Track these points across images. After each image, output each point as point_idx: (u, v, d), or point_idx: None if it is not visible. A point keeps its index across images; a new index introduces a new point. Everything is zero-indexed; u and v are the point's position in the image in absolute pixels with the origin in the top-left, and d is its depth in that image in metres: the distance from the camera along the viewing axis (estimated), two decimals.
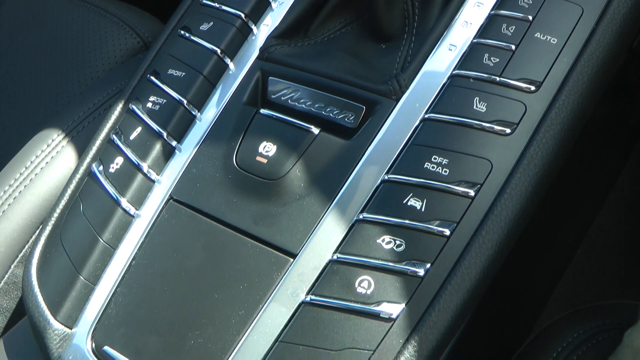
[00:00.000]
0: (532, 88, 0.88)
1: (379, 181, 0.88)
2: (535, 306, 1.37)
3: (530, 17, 0.91)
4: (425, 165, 0.86)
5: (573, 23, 0.90)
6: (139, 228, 0.98)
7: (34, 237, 1.19)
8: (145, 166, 0.99)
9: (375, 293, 0.83)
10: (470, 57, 0.92)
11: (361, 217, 0.87)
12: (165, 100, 1.03)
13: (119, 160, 1.02)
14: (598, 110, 0.96)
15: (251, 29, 1.05)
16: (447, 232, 0.83)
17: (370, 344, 0.82)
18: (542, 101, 0.88)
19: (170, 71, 1.05)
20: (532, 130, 0.87)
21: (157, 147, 1.00)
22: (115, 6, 1.55)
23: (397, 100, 0.92)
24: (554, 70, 0.89)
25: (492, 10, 0.94)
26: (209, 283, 0.90)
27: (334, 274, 0.86)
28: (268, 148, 0.94)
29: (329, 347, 0.83)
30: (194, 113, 1.01)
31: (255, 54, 1.03)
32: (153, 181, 0.99)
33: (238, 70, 1.03)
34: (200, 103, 1.02)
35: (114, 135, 1.05)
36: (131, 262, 0.96)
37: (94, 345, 0.94)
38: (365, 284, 0.84)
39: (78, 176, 1.08)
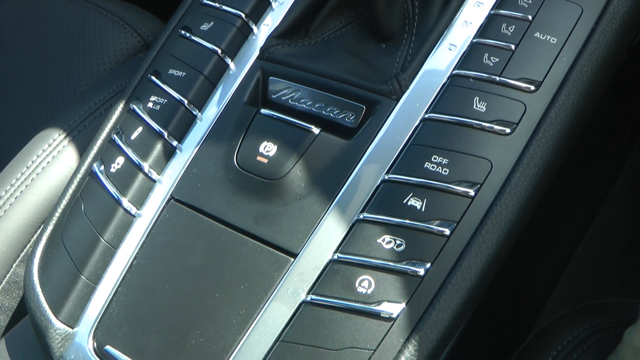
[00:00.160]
0: (532, 88, 0.88)
1: (379, 181, 0.89)
2: (535, 305, 1.37)
3: (530, 17, 0.91)
4: (425, 165, 0.87)
5: (573, 22, 0.91)
6: (140, 228, 0.98)
7: (35, 236, 1.20)
8: (146, 166, 1.00)
9: (375, 293, 0.83)
10: (470, 56, 0.92)
11: (361, 216, 0.87)
12: (166, 100, 1.03)
13: (120, 160, 1.02)
14: (598, 109, 0.96)
15: (252, 29, 1.05)
16: (447, 231, 0.83)
17: (371, 344, 0.82)
18: (542, 101, 0.88)
19: (171, 71, 1.05)
20: (531, 130, 0.87)
21: (158, 147, 1.01)
22: (115, 5, 1.55)
23: (397, 100, 0.92)
24: (553, 70, 0.89)
25: (491, 9, 0.94)
26: (210, 282, 0.90)
27: (334, 273, 0.86)
28: (268, 148, 0.94)
29: (330, 347, 0.83)
30: (194, 113, 1.01)
31: (255, 53, 1.03)
32: (154, 181, 1.00)
33: (238, 70, 1.03)
34: (201, 103, 1.02)
35: (115, 135, 1.05)
36: (132, 261, 0.96)
37: (95, 344, 0.94)
38: (365, 283, 0.84)
39: (79, 176, 1.08)
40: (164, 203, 0.98)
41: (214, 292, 0.90)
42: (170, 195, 0.98)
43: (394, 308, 0.82)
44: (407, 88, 0.93)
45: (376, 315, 0.83)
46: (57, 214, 1.08)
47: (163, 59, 1.09)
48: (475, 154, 0.86)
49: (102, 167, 1.03)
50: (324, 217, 0.89)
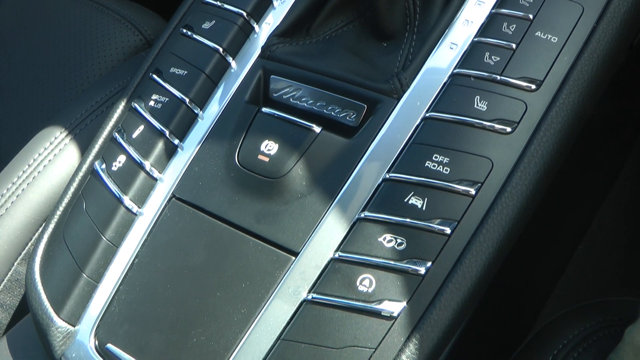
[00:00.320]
0: (533, 87, 0.88)
1: (380, 180, 0.89)
2: (536, 303, 1.37)
3: (531, 16, 0.91)
4: (426, 164, 0.87)
5: (573, 22, 0.91)
6: (142, 226, 0.98)
7: (37, 234, 1.20)
8: (147, 164, 1.00)
9: (376, 291, 0.83)
10: (471, 55, 0.92)
11: (362, 215, 0.87)
12: (167, 99, 1.03)
13: (122, 158, 1.02)
14: (599, 108, 0.96)
15: (253, 28, 1.05)
16: (448, 230, 0.84)
17: (372, 342, 0.82)
18: (543, 100, 0.88)
19: (172, 69, 1.06)
20: (532, 129, 0.87)
21: (160, 145, 1.01)
22: (117, 3, 1.55)
23: (398, 99, 0.92)
24: (554, 69, 0.89)
25: (493, 9, 0.94)
26: (211, 281, 0.91)
27: (335, 272, 0.86)
28: (270, 146, 0.94)
29: (331, 345, 0.83)
30: (196, 111, 1.01)
31: (257, 52, 1.03)
32: (155, 179, 1.00)
33: (240, 69, 1.03)
34: (203, 101, 1.02)
35: (116, 134, 1.05)
36: (134, 260, 0.96)
37: (97, 342, 0.94)
38: (366, 282, 0.84)
39: (81, 174, 1.09)
40: (166, 201, 0.98)
41: (216, 291, 0.90)
42: (172, 193, 0.98)
43: (394, 307, 0.82)
44: (408, 87, 0.93)
45: (377, 314, 0.83)
46: (58, 212, 1.08)
47: (165, 58, 1.09)
48: (476, 153, 0.86)
49: (103, 166, 1.03)
50: (325, 215, 0.89)
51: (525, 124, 0.87)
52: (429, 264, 0.83)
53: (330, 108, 0.95)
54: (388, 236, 0.85)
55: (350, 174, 0.90)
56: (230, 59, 1.04)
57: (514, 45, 0.90)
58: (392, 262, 0.84)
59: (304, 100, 0.97)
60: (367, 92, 0.94)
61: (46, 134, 1.27)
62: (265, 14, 1.06)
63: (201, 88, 1.02)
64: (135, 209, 0.99)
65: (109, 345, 0.93)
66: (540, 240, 1.15)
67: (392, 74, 0.95)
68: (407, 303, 0.83)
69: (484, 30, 0.93)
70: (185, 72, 1.04)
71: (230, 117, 1.00)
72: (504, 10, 0.93)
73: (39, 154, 1.24)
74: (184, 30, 1.09)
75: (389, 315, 0.82)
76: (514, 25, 0.91)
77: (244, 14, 1.05)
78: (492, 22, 0.93)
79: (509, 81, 0.88)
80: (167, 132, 1.01)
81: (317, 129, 0.94)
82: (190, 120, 1.02)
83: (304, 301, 0.86)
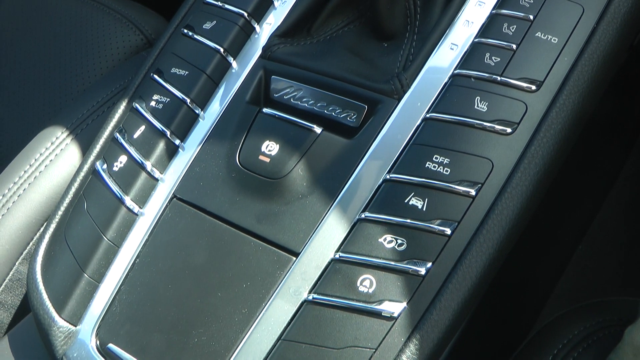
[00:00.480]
0: (533, 87, 0.88)
1: (381, 180, 0.89)
2: (536, 303, 1.37)
3: (531, 17, 0.91)
4: (427, 165, 0.87)
5: (574, 22, 0.91)
6: (143, 226, 0.98)
7: (38, 234, 1.20)
8: (148, 165, 1.00)
9: (377, 292, 0.84)
10: (472, 56, 0.92)
11: (363, 216, 0.87)
12: (168, 99, 1.03)
13: (123, 158, 1.02)
14: (599, 108, 0.96)
15: (254, 28, 1.06)
16: (448, 231, 0.84)
17: (372, 343, 0.82)
18: (543, 101, 0.88)
19: (173, 70, 1.06)
20: (532, 130, 0.87)
21: (161, 145, 1.01)
22: (118, 3, 1.55)
23: (399, 100, 0.93)
24: (554, 70, 0.89)
25: (493, 9, 0.94)
26: (212, 281, 0.91)
27: (336, 272, 0.86)
28: (271, 147, 0.95)
29: (331, 346, 0.83)
30: (197, 112, 1.02)
31: (258, 52, 1.03)
32: (157, 179, 1.00)
33: (241, 69, 1.03)
34: (204, 102, 1.02)
35: (117, 134, 1.05)
36: (135, 260, 0.97)
37: (98, 342, 0.95)
38: (367, 282, 0.84)
39: (82, 174, 1.09)
40: (167, 202, 0.98)
41: (217, 291, 0.90)
42: (173, 193, 0.98)
43: (395, 307, 0.83)
44: (409, 87, 0.93)
45: (377, 315, 0.83)
46: (60, 212, 1.08)
47: (166, 58, 1.09)
48: (477, 153, 0.86)
49: (104, 166, 1.04)
50: (326, 216, 0.89)
51: (525, 125, 0.87)
52: (429, 264, 0.83)
53: (331, 108, 0.95)
54: (388, 237, 0.85)
55: (350, 175, 0.90)
56: (231, 59, 1.04)
57: (514, 46, 0.90)
58: (392, 263, 0.84)
59: (305, 100, 0.97)
60: (367, 92, 0.94)
61: (47, 133, 1.27)
62: (266, 14, 1.07)
63: (202, 88, 1.03)
64: (136, 209, 0.99)
65: (110, 345, 0.93)
66: (540, 240, 1.15)
67: (393, 74, 0.95)
68: (407, 303, 0.83)
69: (484, 30, 0.93)
70: (186, 72, 1.04)
71: (231, 117, 1.00)
72: (504, 11, 0.93)
73: (40, 154, 1.24)
74: (185, 31, 1.09)
75: (389, 315, 0.83)
76: (515, 26, 0.91)
77: (245, 14, 1.05)
78: (492, 22, 0.93)
79: (510, 82, 0.89)
80: (168, 133, 1.01)
81: (317, 130, 0.94)
82: (191, 121, 1.02)
83: (305, 301, 0.86)
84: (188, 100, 1.02)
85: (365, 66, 1.01)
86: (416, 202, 0.86)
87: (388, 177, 0.88)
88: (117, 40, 1.49)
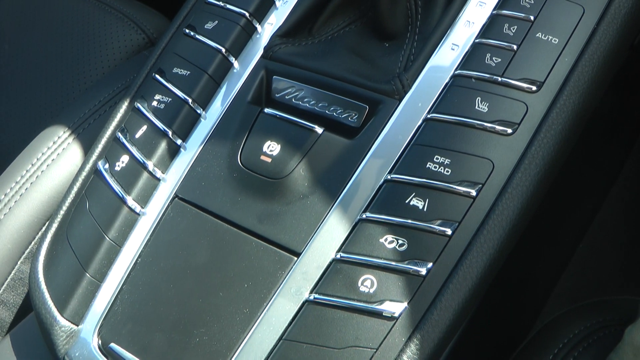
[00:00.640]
0: (534, 88, 0.88)
1: (382, 181, 0.89)
2: (536, 302, 1.37)
3: (532, 17, 0.91)
4: (428, 165, 0.87)
5: (574, 23, 0.91)
6: (145, 226, 0.98)
7: (40, 233, 1.20)
8: (150, 164, 1.00)
9: (378, 292, 0.84)
10: (473, 57, 0.92)
11: (364, 216, 0.88)
12: (170, 99, 1.04)
13: (125, 158, 1.03)
14: (600, 108, 0.96)
15: (255, 28, 1.06)
16: (449, 231, 0.84)
17: (373, 343, 0.82)
18: (544, 101, 0.88)
19: (175, 70, 1.06)
20: (533, 130, 0.87)
21: (163, 145, 1.01)
22: (119, 2, 1.55)
23: (400, 100, 0.93)
24: (555, 70, 0.89)
25: (494, 10, 0.94)
26: (213, 281, 0.91)
27: (337, 272, 0.86)
28: (272, 147, 0.95)
29: (332, 346, 0.83)
30: (198, 112, 1.02)
31: (259, 52, 1.03)
32: (158, 179, 1.00)
33: (242, 69, 1.03)
34: (205, 102, 1.03)
35: (119, 134, 1.05)
36: (137, 259, 0.97)
37: (100, 342, 0.95)
38: (368, 282, 0.84)
39: (84, 174, 1.09)
40: (168, 201, 0.98)
41: (218, 291, 0.90)
42: (175, 193, 0.99)
43: (396, 307, 0.83)
44: (410, 88, 0.93)
45: (378, 315, 0.83)
46: (61, 212, 1.08)
47: (167, 58, 1.10)
48: (477, 154, 0.86)
49: (106, 165, 1.04)
50: (327, 216, 0.90)
51: (526, 125, 0.87)
52: (430, 264, 0.83)
53: (332, 109, 0.95)
54: (389, 237, 0.85)
55: (352, 175, 0.91)
56: (232, 59, 1.04)
57: (515, 47, 0.90)
58: (393, 263, 0.84)
59: (306, 100, 0.97)
60: (368, 92, 0.94)
61: (49, 133, 1.27)
62: (267, 14, 1.07)
63: (204, 88, 1.03)
64: (138, 208, 0.99)
65: (112, 345, 0.93)
66: (540, 240, 1.15)
67: (394, 74, 0.95)
68: (408, 303, 0.83)
69: (485, 31, 0.93)
70: (188, 72, 1.04)
71: (233, 117, 1.00)
72: (505, 12, 0.93)
73: (42, 153, 1.24)
74: (187, 31, 1.09)
75: (390, 315, 0.83)
76: (515, 27, 0.91)
77: (247, 14, 1.05)
78: (493, 23, 0.93)
79: (510, 82, 0.89)
80: (169, 132, 1.01)
81: (319, 130, 0.94)
82: (193, 121, 1.02)
83: (306, 301, 0.87)
84: (190, 100, 1.02)
85: (367, 66, 1.01)
86: (417, 202, 0.86)
87: (389, 177, 0.89)
88: (118, 40, 1.49)
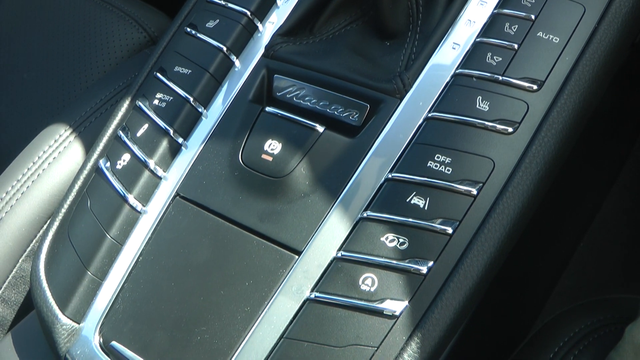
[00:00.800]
0: (535, 87, 0.88)
1: (383, 179, 0.89)
2: (537, 301, 1.37)
3: (533, 16, 0.91)
4: (429, 164, 0.87)
5: (575, 22, 0.91)
6: (146, 224, 0.98)
7: (41, 232, 1.20)
8: (152, 163, 1.00)
9: (378, 290, 0.84)
10: (474, 55, 0.92)
11: (365, 215, 0.88)
12: (171, 97, 1.04)
13: (126, 156, 1.03)
14: (600, 107, 0.96)
15: (257, 27, 1.06)
16: (450, 230, 0.84)
17: (374, 341, 0.83)
18: (544, 100, 0.88)
19: (176, 68, 1.06)
20: (534, 129, 0.87)
21: (164, 143, 1.01)
22: (121, 1, 1.55)
23: (401, 99, 0.93)
24: (556, 69, 0.89)
25: (495, 9, 0.94)
26: (215, 279, 0.91)
27: (338, 271, 0.86)
28: (273, 146, 0.95)
29: (333, 344, 0.84)
30: (200, 110, 1.02)
31: (260, 51, 1.04)
32: (160, 178, 1.00)
33: (244, 68, 1.04)
34: (207, 100, 1.03)
35: (121, 132, 1.06)
36: (138, 258, 0.97)
37: (101, 340, 0.95)
38: (369, 281, 0.84)
39: (85, 172, 1.09)
40: (170, 200, 0.99)
41: (219, 289, 0.91)
42: (176, 192, 0.99)
43: (397, 306, 0.83)
44: (411, 87, 0.93)
45: (379, 313, 0.83)
46: (63, 210, 1.09)
47: (169, 56, 1.10)
48: (478, 153, 0.87)
49: (108, 164, 1.04)
50: (328, 215, 0.90)
51: (526, 124, 0.87)
52: (431, 263, 0.84)
53: (333, 107, 0.95)
54: (390, 235, 0.85)
55: (353, 174, 0.91)
56: (234, 58, 1.04)
57: (515, 46, 0.90)
58: (394, 262, 0.84)
59: (308, 99, 0.97)
60: (370, 91, 0.95)
61: (51, 131, 1.27)
62: (269, 13, 1.07)
63: (205, 87, 1.03)
64: (139, 207, 0.99)
65: (114, 343, 0.94)
66: (541, 238, 1.15)
67: (395, 73, 0.95)
68: (409, 302, 0.83)
69: (486, 30, 0.93)
70: (190, 71, 1.05)
71: (234, 116, 1.00)
72: (506, 11, 0.93)
73: (44, 152, 1.24)
74: (188, 29, 1.09)
75: (391, 314, 0.83)
76: (516, 26, 0.91)
77: (248, 13, 1.05)
78: (494, 22, 0.93)
79: (511, 81, 0.89)
80: (171, 131, 1.01)
81: (320, 129, 0.94)
82: (195, 119, 1.02)
83: (307, 300, 0.87)
84: (191, 99, 1.02)
85: (368, 65, 1.01)
86: (418, 201, 0.86)
87: (390, 176, 0.89)
88: (120, 38, 1.49)
